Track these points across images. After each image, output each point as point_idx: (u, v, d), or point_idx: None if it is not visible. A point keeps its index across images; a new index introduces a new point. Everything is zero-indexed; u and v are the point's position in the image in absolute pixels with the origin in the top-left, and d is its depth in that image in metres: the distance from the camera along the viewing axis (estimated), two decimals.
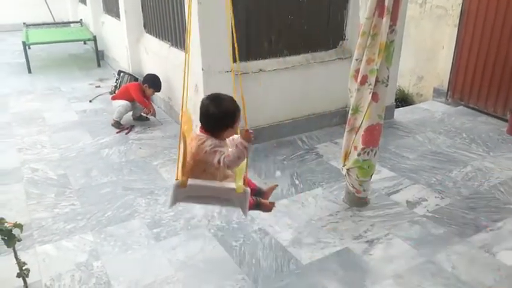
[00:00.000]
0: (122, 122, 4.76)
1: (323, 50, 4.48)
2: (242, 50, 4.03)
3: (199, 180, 2.06)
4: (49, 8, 10.59)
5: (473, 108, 5.17)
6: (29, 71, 7.01)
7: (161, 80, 4.85)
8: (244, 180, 2.06)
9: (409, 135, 4.52)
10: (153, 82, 4.84)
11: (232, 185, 2.06)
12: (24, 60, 7.03)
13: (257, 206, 2.32)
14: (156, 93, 4.92)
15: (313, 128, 4.59)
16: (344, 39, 4.56)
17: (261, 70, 4.08)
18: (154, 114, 4.83)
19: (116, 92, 5.16)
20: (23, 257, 2.43)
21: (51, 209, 3.22)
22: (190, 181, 2.02)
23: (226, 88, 3.73)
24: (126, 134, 4.57)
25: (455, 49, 5.27)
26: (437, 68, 5.64)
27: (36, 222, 3.04)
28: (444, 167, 3.82)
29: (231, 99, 2.09)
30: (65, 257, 2.71)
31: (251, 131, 1.98)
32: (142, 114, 4.96)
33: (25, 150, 4.19)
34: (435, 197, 3.36)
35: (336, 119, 4.71)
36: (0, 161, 3.97)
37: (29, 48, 7.73)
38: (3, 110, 5.31)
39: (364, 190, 3.17)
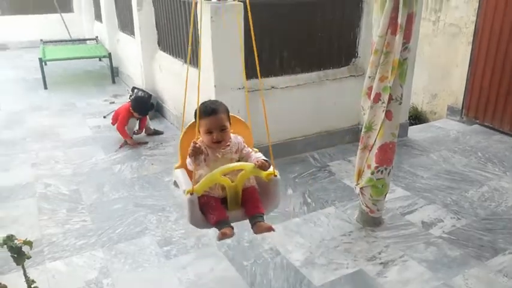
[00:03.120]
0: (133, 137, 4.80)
1: (335, 67, 4.48)
2: (253, 67, 4.04)
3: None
4: (66, 26, 10.82)
5: (488, 127, 5.08)
6: (45, 87, 7.13)
7: (173, 96, 4.86)
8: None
9: (423, 153, 4.45)
10: (135, 105, 4.76)
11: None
12: (40, 76, 7.16)
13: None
14: (144, 116, 4.83)
15: (326, 145, 4.56)
16: (356, 57, 4.56)
17: (272, 87, 4.09)
18: (133, 144, 4.74)
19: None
20: (33, 273, 2.43)
21: (62, 224, 3.23)
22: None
23: (238, 105, 3.75)
24: (116, 149, 4.59)
25: (469, 67, 5.22)
26: (451, 85, 5.58)
27: (47, 238, 3.04)
28: (460, 187, 3.74)
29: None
30: (75, 274, 2.70)
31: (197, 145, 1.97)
32: (155, 129, 5.02)
33: (39, 166, 4.22)
34: (451, 217, 3.28)
35: (349, 137, 4.67)
36: (14, 176, 4.00)
37: (46, 64, 7.87)
38: (19, 125, 5.39)
39: (378, 210, 3.11)
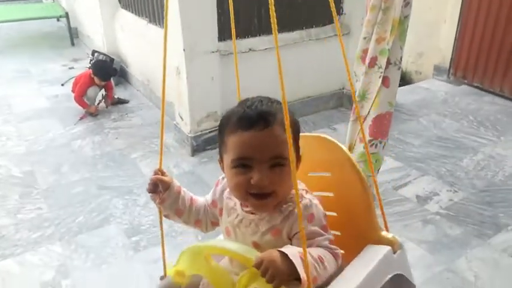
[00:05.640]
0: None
1: (318, 26, 4.05)
2: (229, 27, 3.58)
3: None
4: None
5: (477, 87, 4.81)
6: None
7: (138, 60, 4.37)
8: None
9: (413, 118, 4.16)
10: (96, 69, 4.28)
11: None
12: None
13: None
14: (106, 81, 4.33)
15: (309, 112, 4.20)
16: (342, 14, 4.13)
17: (250, 49, 3.65)
18: (93, 113, 4.28)
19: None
20: None
21: (14, 214, 2.81)
22: None
23: (211, 71, 3.33)
24: (76, 121, 4.13)
25: (458, 23, 4.88)
26: (438, 43, 5.25)
27: None
28: (454, 155, 3.48)
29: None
30: (29, 275, 2.33)
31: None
32: (119, 98, 4.55)
33: None
34: (447, 190, 3.03)
35: (333, 102, 4.33)
36: None
37: None
38: None
39: (370, 185, 2.81)
